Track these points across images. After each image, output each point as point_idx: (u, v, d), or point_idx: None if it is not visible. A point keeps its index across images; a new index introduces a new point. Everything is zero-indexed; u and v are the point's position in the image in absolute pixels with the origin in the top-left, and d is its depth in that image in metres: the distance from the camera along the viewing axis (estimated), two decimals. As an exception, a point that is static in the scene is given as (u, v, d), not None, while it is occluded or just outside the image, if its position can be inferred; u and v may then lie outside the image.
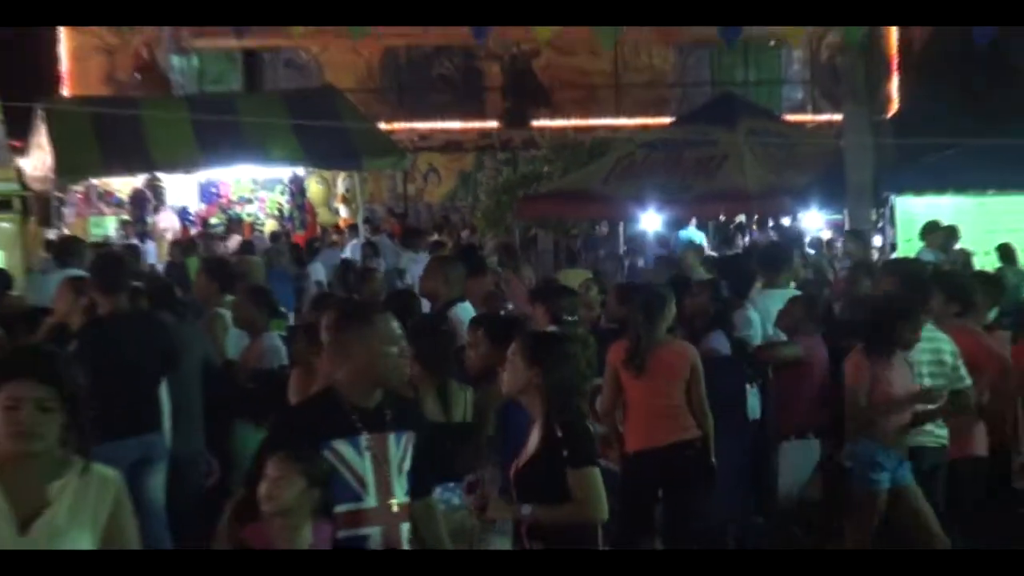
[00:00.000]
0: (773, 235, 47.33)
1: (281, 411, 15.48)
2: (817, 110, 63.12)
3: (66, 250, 30.18)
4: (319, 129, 52.93)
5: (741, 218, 50.26)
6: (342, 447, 13.35)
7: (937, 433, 18.34)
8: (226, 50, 68.03)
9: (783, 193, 48.02)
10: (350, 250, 42.20)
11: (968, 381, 18.49)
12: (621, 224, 50.88)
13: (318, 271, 36.39)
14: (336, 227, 50.20)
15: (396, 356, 13.86)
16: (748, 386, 20.70)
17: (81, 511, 10.12)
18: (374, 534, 13.60)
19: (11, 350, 13.58)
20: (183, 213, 53.24)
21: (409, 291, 22.75)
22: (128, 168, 50.38)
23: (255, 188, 55.96)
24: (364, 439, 13.51)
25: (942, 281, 20.18)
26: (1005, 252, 32.00)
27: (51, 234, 40.71)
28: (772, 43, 62.72)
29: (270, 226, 50.74)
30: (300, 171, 55.11)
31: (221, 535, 13.96)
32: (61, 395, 9.67)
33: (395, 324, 14.06)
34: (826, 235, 46.22)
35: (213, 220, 51.65)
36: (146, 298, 22.36)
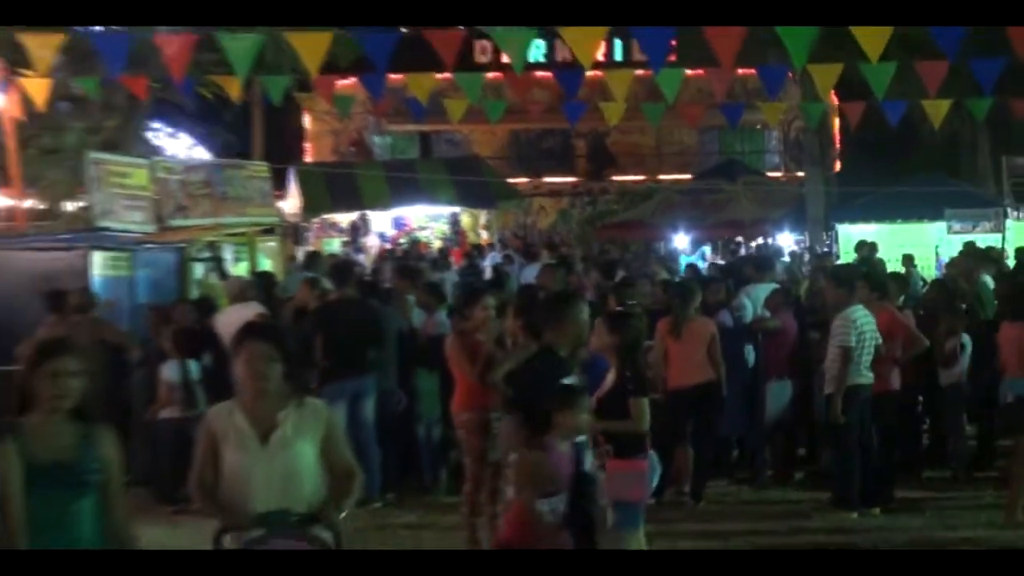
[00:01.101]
0: (758, 249, 48.59)
1: (526, 361, 14.77)
2: (787, 169, 63.44)
3: (310, 260, 30.94)
4: (469, 182, 54.30)
5: (740, 238, 51.39)
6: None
7: (869, 375, 19.15)
8: (408, 133, 68.47)
9: (766, 222, 49.83)
10: (489, 259, 42.49)
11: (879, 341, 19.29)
12: (662, 242, 52.28)
13: (452, 275, 36.33)
14: (479, 246, 50.63)
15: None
16: (745, 346, 21.88)
17: (302, 429, 10.01)
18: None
19: (248, 324, 12.32)
20: (382, 236, 53.87)
21: (533, 285, 23.58)
22: (347, 208, 51.20)
23: (428, 220, 56.67)
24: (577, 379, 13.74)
25: (868, 278, 21.19)
26: (907, 260, 32.65)
27: (299, 251, 41.03)
28: (758, 126, 62.96)
29: (437, 245, 51.28)
30: (456, 209, 56.22)
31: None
32: (280, 352, 9.85)
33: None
34: (794, 249, 47.21)
35: (401, 241, 52.26)
36: (361, 290, 23.35)
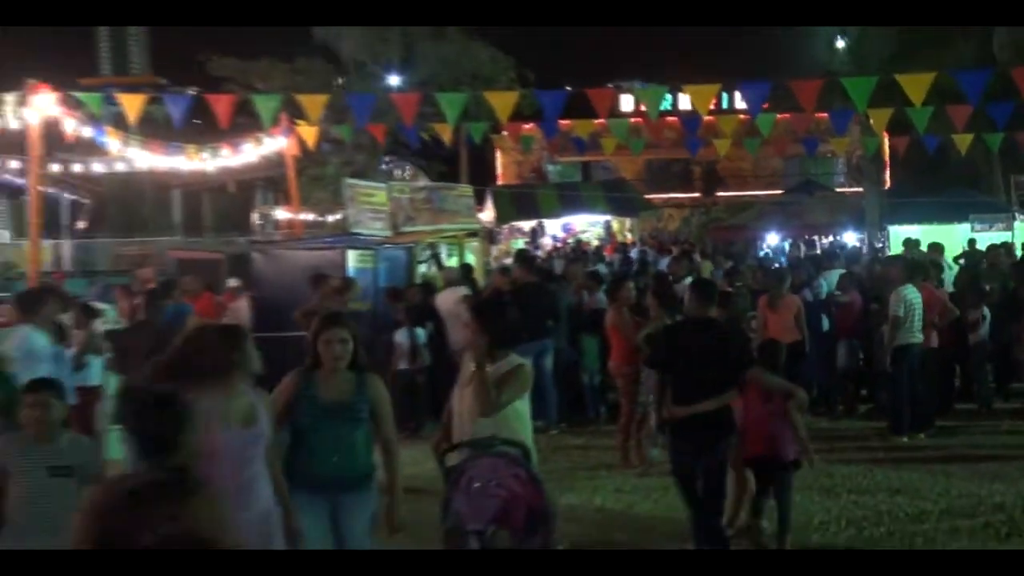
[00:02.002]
0: (829, 245, 48.39)
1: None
2: (850, 186, 62.91)
3: (517, 256, 31.14)
4: (617, 197, 54.28)
5: (815, 237, 51.20)
6: None
7: (919, 336, 19.16)
8: (573, 163, 68.31)
9: (835, 225, 49.93)
10: (635, 252, 42.43)
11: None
12: (759, 241, 52.29)
13: (603, 267, 36.07)
14: (624, 244, 50.52)
15: None
16: (822, 315, 21.81)
17: (501, 379, 9.74)
18: None
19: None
20: (554, 237, 53.91)
21: (665, 272, 23.64)
22: (528, 216, 51.31)
23: (588, 225, 56.60)
24: None
25: (912, 265, 21.36)
26: (934, 249, 32.56)
27: (494, 249, 41.05)
28: (829, 155, 62.64)
29: (595, 243, 51.26)
30: (608, 217, 56.16)
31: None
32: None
33: None
34: (856, 244, 47.10)
35: (568, 240, 52.32)
36: (540, 276, 23.44)
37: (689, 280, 20.04)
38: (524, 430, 9.74)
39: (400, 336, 20.67)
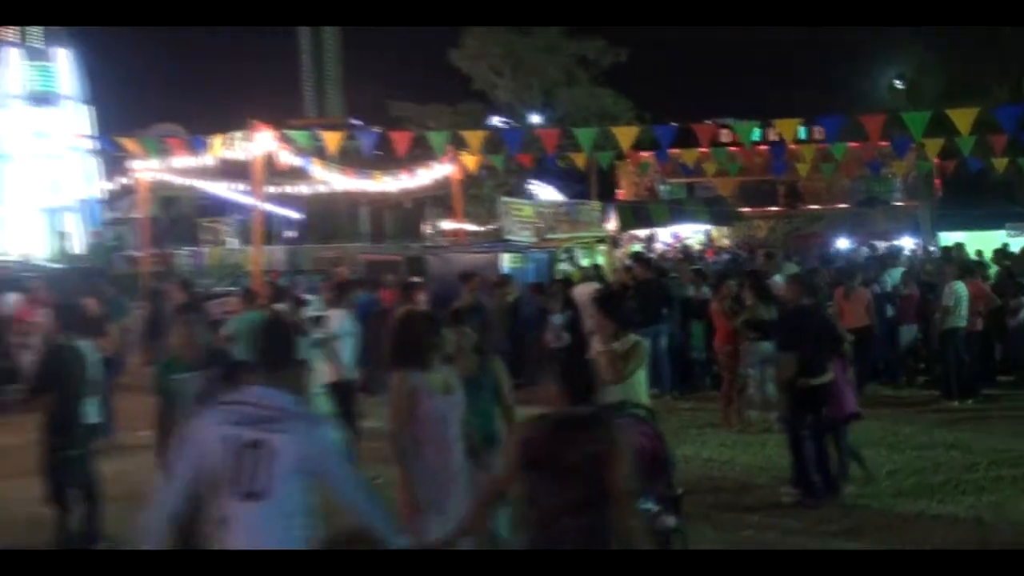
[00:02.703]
0: (889, 249, 47.63)
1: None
2: (907, 201, 61.81)
3: (636, 257, 30.88)
4: (716, 210, 53.89)
5: (879, 242, 50.46)
6: None
7: (965, 321, 19.03)
8: (680, 184, 67.66)
9: (894, 232, 49.26)
10: (730, 255, 42.22)
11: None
12: (830, 245, 51.72)
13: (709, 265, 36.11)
14: (720, 248, 50.20)
15: None
16: (887, 304, 21.45)
17: (627, 354, 9.85)
18: None
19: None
20: (665, 243, 53.53)
21: (757, 270, 23.45)
22: (644, 226, 50.96)
23: (692, 233, 56.08)
24: None
25: (960, 264, 21.34)
26: (978, 253, 31.94)
27: (617, 252, 40.78)
28: (890, 176, 61.48)
29: (697, 248, 50.91)
30: (709, 226, 55.68)
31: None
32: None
33: None
34: (914, 248, 46.54)
35: (677, 245, 51.99)
36: (657, 273, 23.22)
37: (778, 277, 19.80)
38: (643, 395, 9.75)
39: (554, 320, 20.44)
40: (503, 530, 6.55)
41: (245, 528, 5.60)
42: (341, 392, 14.20)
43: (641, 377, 9.87)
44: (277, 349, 6.00)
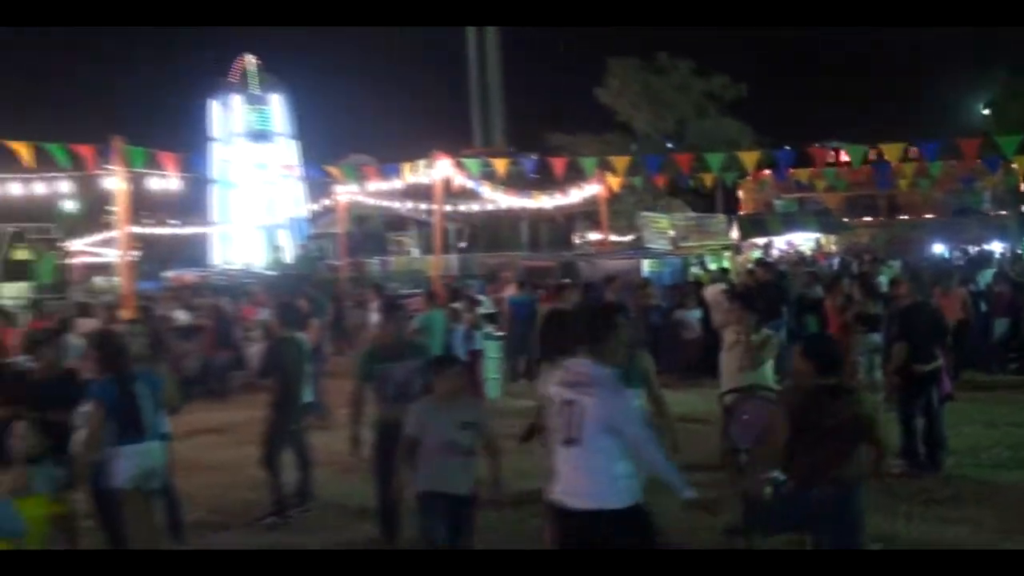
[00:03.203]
0: (979, 252, 46.34)
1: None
2: (996, 210, 60.00)
3: (758, 262, 30.41)
4: (825, 221, 53.02)
5: (970, 247, 49.20)
6: None
7: None
8: (794, 199, 66.50)
9: (985, 238, 47.95)
10: (838, 259, 41.51)
11: None
12: (927, 250, 50.66)
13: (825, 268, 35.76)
14: (828, 253, 49.46)
15: None
16: (981, 300, 20.73)
17: (760, 344, 10.29)
18: None
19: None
20: (780, 250, 52.79)
21: (866, 271, 23.02)
22: (762, 235, 50.30)
23: (803, 240, 55.02)
24: None
25: None
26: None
27: (740, 257, 40.20)
28: (981, 189, 60.82)
29: (808, 254, 50.15)
30: (819, 235, 54.61)
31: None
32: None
33: None
34: (1004, 251, 45.25)
35: (790, 250, 51.31)
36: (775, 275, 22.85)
37: (882, 277, 19.37)
38: (771, 379, 10.22)
39: (687, 316, 20.18)
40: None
41: (566, 465, 6.09)
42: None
43: (770, 365, 10.33)
44: (599, 329, 6.35)
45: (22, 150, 16.12)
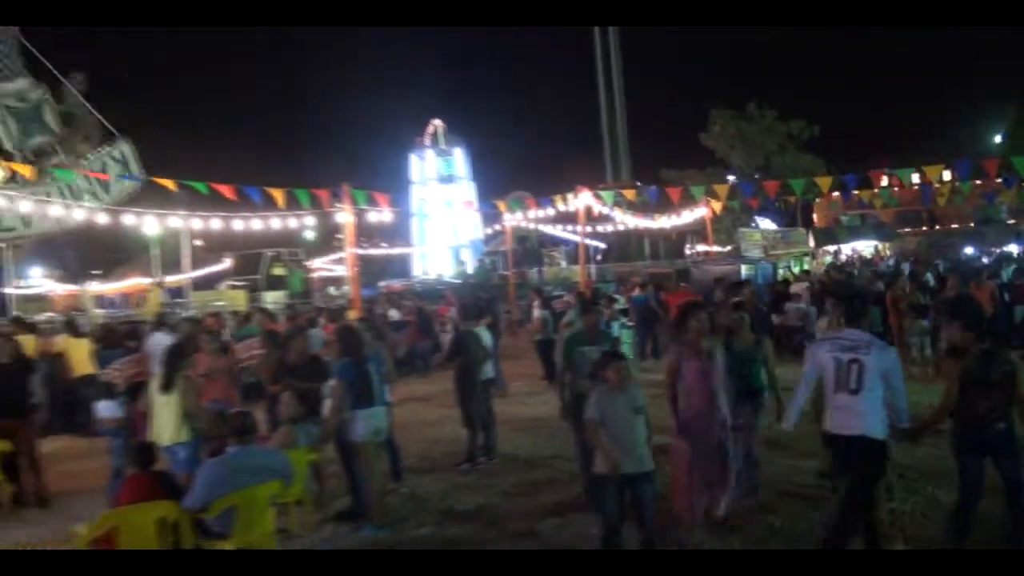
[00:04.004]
0: (999, 254, 43.88)
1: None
2: (1012, 219, 57.22)
3: (831, 265, 29.54)
4: (880, 231, 50.97)
5: (994, 248, 46.75)
6: None
7: None
8: (857, 214, 64.49)
9: (1004, 243, 45.71)
10: (892, 261, 40.06)
11: None
12: (960, 252, 48.25)
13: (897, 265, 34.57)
14: (884, 256, 47.84)
15: None
16: (1005, 292, 19.41)
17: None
18: None
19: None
20: (846, 255, 51.05)
21: (913, 271, 22.02)
22: (832, 243, 48.66)
23: (864, 247, 53.03)
24: None
25: None
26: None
27: (815, 261, 38.94)
28: (1000, 203, 56.93)
29: (868, 257, 48.38)
30: (876, 242, 52.66)
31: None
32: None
33: None
34: (1019, 252, 42.79)
35: (855, 255, 49.52)
36: (846, 275, 22.11)
37: (928, 275, 18.57)
38: None
39: (790, 309, 19.35)
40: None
41: (848, 409, 6.37)
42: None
43: None
44: (856, 308, 6.81)
45: (278, 195, 16.61)
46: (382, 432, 8.53)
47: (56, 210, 18.36)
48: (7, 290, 28.85)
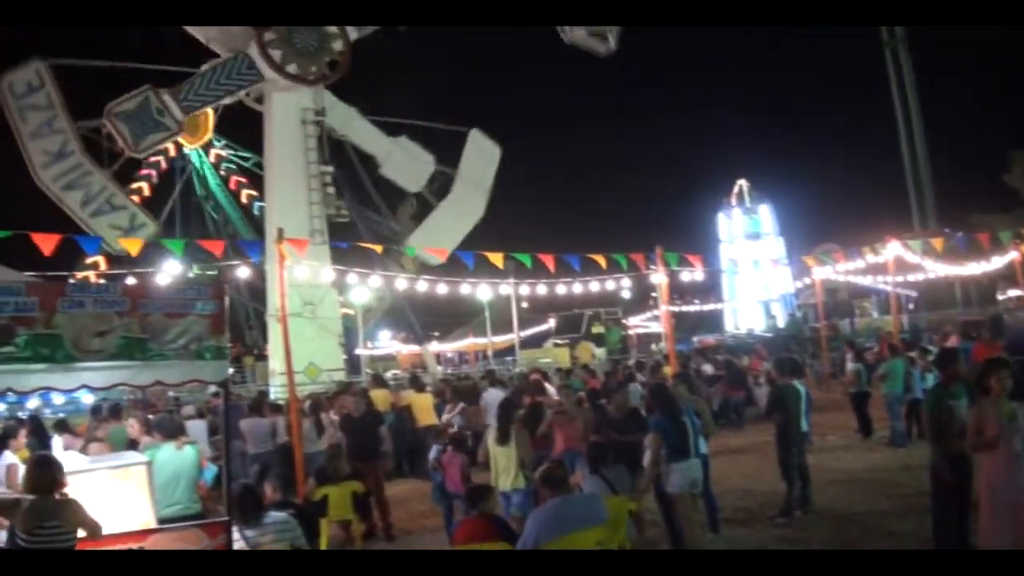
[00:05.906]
0: None
1: None
2: None
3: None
4: None
5: None
6: None
7: None
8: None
9: None
10: None
11: None
12: None
13: None
14: None
15: None
16: None
17: None
18: None
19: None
20: None
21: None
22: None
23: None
24: None
25: None
26: None
27: None
28: None
29: None
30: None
31: None
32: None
33: None
34: None
35: None
36: None
37: None
38: None
39: None
40: None
41: None
42: None
43: None
44: None
45: (600, 260, 17.02)
46: (698, 484, 8.35)
47: (402, 283, 19.79)
48: (359, 351, 31.34)
